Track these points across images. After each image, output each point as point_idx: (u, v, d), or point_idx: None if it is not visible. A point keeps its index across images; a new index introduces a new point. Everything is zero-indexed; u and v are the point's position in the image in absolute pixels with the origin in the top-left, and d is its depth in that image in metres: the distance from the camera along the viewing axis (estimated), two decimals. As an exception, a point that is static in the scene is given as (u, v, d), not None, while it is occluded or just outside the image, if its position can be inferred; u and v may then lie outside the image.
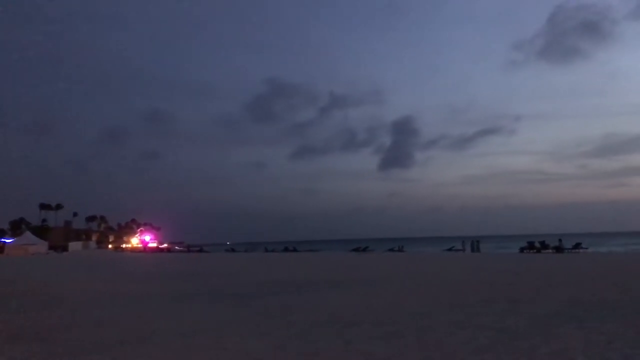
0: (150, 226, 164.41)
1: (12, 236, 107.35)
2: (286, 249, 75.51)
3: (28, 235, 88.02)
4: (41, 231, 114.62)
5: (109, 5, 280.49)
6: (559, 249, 46.02)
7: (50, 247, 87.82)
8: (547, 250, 46.55)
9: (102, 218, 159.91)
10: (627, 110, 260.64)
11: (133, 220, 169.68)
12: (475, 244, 54.61)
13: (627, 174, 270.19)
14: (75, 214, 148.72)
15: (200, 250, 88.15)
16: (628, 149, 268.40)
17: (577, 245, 48.57)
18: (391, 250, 63.36)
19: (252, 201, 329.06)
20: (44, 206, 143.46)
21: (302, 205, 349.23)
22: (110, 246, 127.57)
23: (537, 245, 48.28)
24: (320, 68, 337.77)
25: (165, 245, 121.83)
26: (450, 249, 59.11)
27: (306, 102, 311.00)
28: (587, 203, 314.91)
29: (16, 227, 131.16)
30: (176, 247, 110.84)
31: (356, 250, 65.74)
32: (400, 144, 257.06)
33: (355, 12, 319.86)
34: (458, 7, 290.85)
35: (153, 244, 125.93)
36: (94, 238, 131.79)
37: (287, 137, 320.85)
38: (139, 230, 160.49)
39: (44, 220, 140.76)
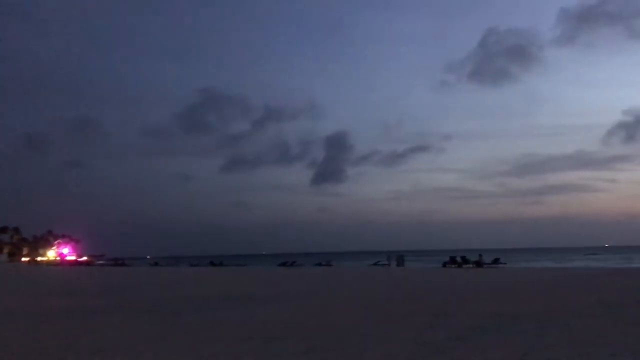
0: (69, 238, 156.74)
1: None
2: (212, 263, 74.04)
3: None
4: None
5: (35, 9, 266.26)
6: (479, 264, 47.77)
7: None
8: (468, 265, 48.21)
9: (16, 229, 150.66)
10: (544, 132, 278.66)
11: (50, 232, 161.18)
12: (400, 258, 55.65)
13: (543, 193, 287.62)
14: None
15: (122, 264, 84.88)
16: (544, 169, 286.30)
17: (496, 261, 50.67)
18: (319, 264, 63.54)
19: (179, 214, 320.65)
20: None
21: (231, 218, 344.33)
22: (24, 259, 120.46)
23: (459, 260, 49.91)
24: (256, 80, 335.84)
25: (85, 258, 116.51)
26: (375, 264, 59.96)
27: (240, 114, 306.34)
28: (505, 220, 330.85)
29: None
30: (99, 261, 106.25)
31: (284, 264, 65.52)
32: (333, 158, 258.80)
33: (293, 27, 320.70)
34: (395, 26, 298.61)
35: (71, 257, 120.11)
36: (5, 250, 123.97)
37: (219, 149, 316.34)
38: (56, 242, 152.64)
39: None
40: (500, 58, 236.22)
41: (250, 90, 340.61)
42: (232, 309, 13.60)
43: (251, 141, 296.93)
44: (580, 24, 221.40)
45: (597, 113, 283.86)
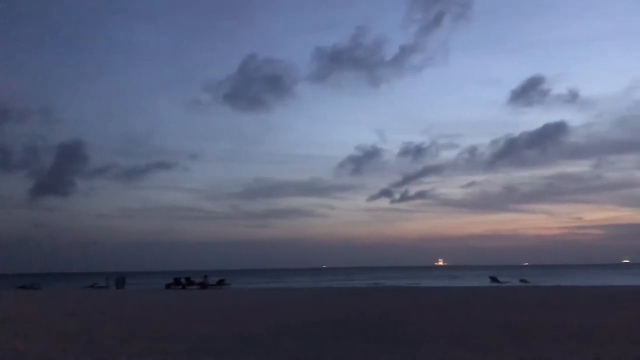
0: None
1: None
2: None
3: None
4: None
5: None
6: (203, 285, 47.98)
7: None
8: (192, 287, 48.02)
9: None
10: (284, 160, 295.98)
11: None
12: (120, 280, 52.48)
13: (271, 216, 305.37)
14: None
15: None
16: (272, 194, 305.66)
17: (221, 282, 51.70)
18: (22, 287, 55.40)
19: None
20: None
21: None
22: None
23: (183, 281, 49.45)
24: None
25: None
26: (92, 286, 55.65)
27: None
28: (236, 241, 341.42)
29: None
30: None
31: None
32: (62, 169, 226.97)
33: (33, 25, 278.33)
34: (150, 39, 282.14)
35: None
36: None
37: None
38: None
39: None
40: (256, 85, 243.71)
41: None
42: None
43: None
44: (331, 64, 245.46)
45: (334, 146, 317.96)
